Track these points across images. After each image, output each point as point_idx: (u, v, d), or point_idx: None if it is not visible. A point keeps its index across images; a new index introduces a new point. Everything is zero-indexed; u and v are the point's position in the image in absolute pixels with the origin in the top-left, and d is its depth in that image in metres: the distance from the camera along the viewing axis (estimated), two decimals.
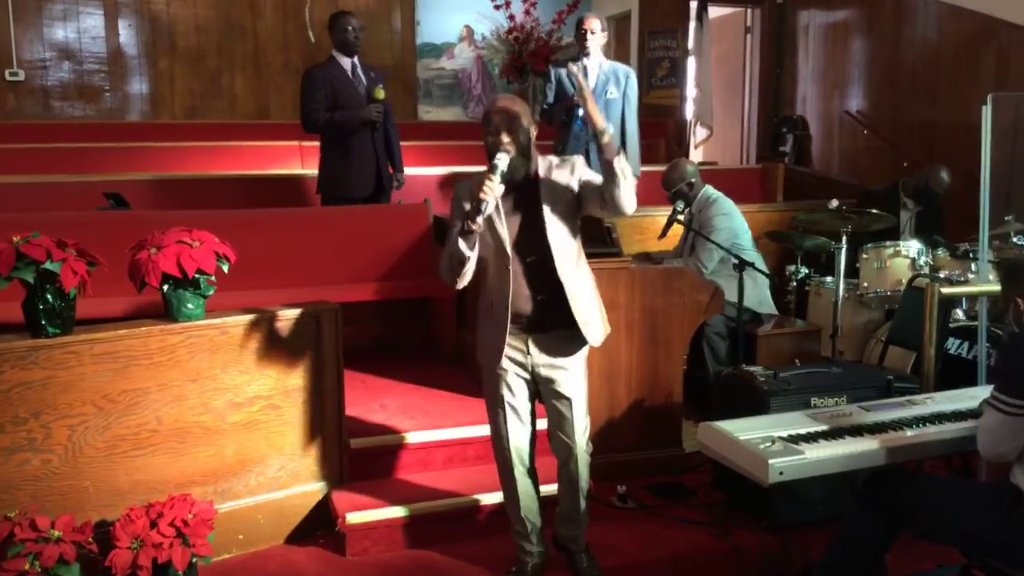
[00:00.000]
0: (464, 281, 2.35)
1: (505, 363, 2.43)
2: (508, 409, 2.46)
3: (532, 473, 2.57)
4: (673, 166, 4.25)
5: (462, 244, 2.25)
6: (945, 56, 5.31)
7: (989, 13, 4.95)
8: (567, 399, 2.47)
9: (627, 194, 2.25)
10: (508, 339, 2.39)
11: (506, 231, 2.35)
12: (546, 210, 2.35)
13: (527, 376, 2.46)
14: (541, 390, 2.50)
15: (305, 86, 4.37)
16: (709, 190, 4.12)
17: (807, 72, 6.65)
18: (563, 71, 4.58)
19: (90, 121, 6.99)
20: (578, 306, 2.40)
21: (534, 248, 2.36)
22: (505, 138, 2.27)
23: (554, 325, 2.41)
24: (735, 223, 4.02)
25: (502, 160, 2.24)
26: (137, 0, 7.36)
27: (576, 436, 2.50)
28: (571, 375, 2.47)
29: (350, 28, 4.35)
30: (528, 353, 2.43)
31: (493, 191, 2.20)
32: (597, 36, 4.51)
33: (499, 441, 2.51)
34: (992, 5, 4.94)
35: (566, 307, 2.38)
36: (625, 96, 4.57)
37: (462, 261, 2.28)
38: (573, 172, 2.40)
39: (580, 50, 4.56)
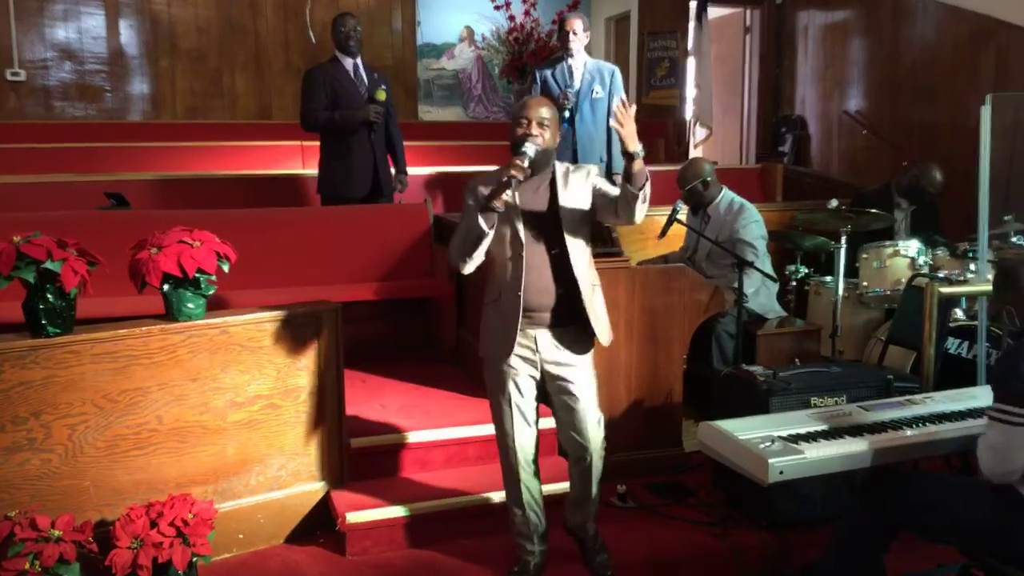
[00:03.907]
0: (473, 265, 2.40)
1: (514, 361, 2.44)
2: (515, 409, 2.48)
3: (536, 473, 2.58)
4: (690, 163, 4.17)
5: (482, 220, 2.30)
6: (944, 56, 5.31)
7: (988, 13, 4.95)
8: (578, 396, 2.49)
9: (642, 213, 2.39)
10: (518, 334, 2.41)
11: (521, 222, 2.40)
12: (562, 206, 2.43)
13: (535, 375, 2.48)
14: (549, 388, 2.51)
15: (304, 86, 4.43)
16: (731, 195, 4.02)
17: (806, 72, 6.64)
18: (547, 72, 4.57)
19: (91, 121, 7.00)
20: (592, 304, 2.46)
21: (549, 241, 2.43)
22: (535, 131, 2.39)
23: (566, 321, 2.45)
24: (764, 231, 3.95)
25: (530, 148, 2.35)
26: (138, 0, 7.37)
27: (590, 432, 2.52)
28: (581, 372, 2.49)
29: (343, 29, 4.41)
30: (537, 351, 2.45)
31: (522, 172, 2.30)
32: (580, 37, 4.49)
33: (505, 441, 2.52)
34: (991, 5, 4.93)
35: (579, 303, 2.43)
36: (611, 94, 4.56)
37: (480, 237, 2.32)
38: (588, 177, 2.49)
39: (563, 50, 4.56)
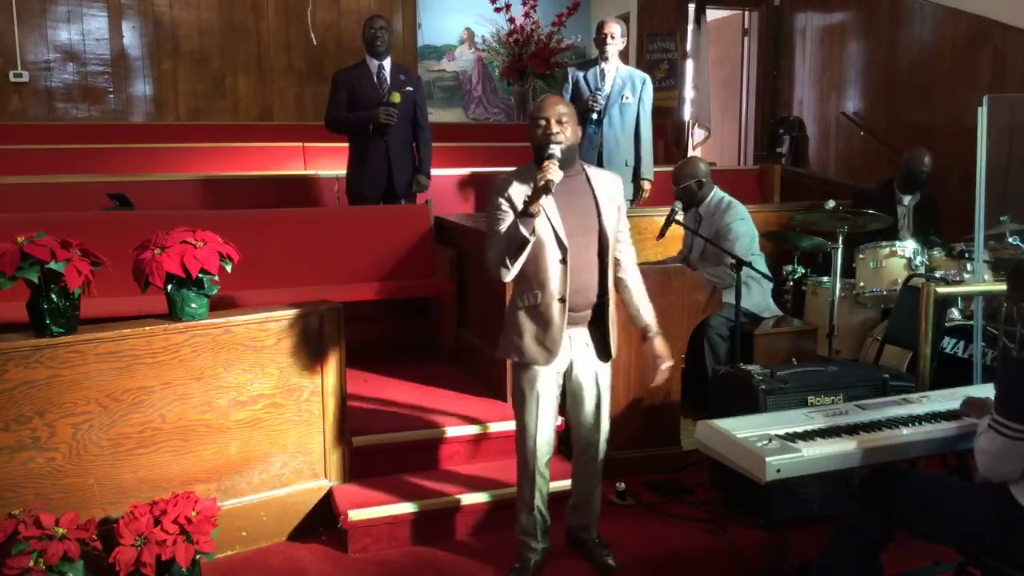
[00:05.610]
0: (515, 271, 2.38)
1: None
2: (542, 409, 2.50)
3: (548, 473, 2.62)
4: (687, 162, 4.22)
5: (523, 228, 2.29)
6: (941, 58, 5.34)
7: (985, 15, 4.97)
8: (598, 392, 2.57)
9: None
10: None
11: (560, 224, 2.41)
12: (602, 207, 2.47)
13: (563, 371, 2.53)
14: (570, 382, 2.57)
15: (331, 88, 4.57)
16: (721, 193, 4.07)
17: (804, 74, 6.67)
18: (580, 74, 4.61)
19: (94, 122, 7.01)
20: (614, 314, 2.53)
21: (590, 242, 2.46)
22: (555, 129, 2.38)
23: (601, 320, 2.51)
24: (752, 228, 4.00)
25: (556, 149, 2.34)
26: (141, 2, 7.39)
27: (603, 424, 2.60)
28: (606, 369, 2.58)
29: (370, 30, 4.51)
30: (571, 348, 2.50)
31: (557, 175, 2.28)
32: (616, 41, 4.54)
33: (526, 438, 2.54)
34: (988, 7, 4.96)
35: (608, 307, 2.51)
36: (640, 101, 4.60)
37: (523, 245, 2.31)
38: (619, 199, 2.53)
39: (599, 54, 4.60)
